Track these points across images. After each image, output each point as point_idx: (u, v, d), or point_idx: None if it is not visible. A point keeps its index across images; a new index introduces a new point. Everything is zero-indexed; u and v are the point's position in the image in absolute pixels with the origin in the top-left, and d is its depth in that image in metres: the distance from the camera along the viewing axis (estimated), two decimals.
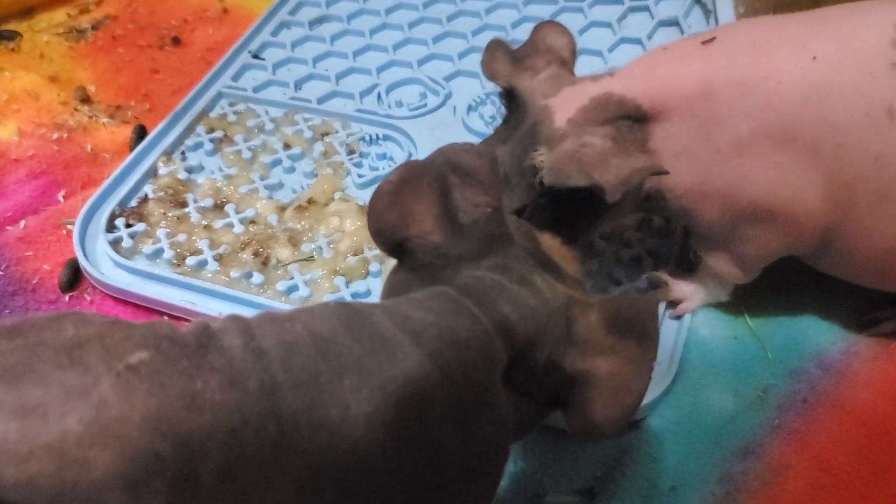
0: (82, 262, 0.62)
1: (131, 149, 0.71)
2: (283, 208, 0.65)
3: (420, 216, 0.40)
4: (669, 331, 0.57)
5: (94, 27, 0.86)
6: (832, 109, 0.47)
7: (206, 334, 0.31)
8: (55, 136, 0.74)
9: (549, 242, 0.44)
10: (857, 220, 0.49)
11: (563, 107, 0.50)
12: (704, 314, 0.59)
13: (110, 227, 0.64)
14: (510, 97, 0.53)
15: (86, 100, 0.78)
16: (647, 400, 0.52)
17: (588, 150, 0.48)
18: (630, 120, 0.50)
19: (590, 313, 0.39)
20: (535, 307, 0.38)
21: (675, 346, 0.56)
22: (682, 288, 0.58)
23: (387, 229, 0.40)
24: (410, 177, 0.40)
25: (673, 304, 0.58)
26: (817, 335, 0.57)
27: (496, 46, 0.55)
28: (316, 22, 0.83)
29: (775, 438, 0.51)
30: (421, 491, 0.33)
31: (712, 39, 0.50)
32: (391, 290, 0.41)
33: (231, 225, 0.64)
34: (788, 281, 0.59)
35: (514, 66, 0.54)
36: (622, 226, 0.63)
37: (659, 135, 0.50)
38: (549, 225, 0.48)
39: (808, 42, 0.48)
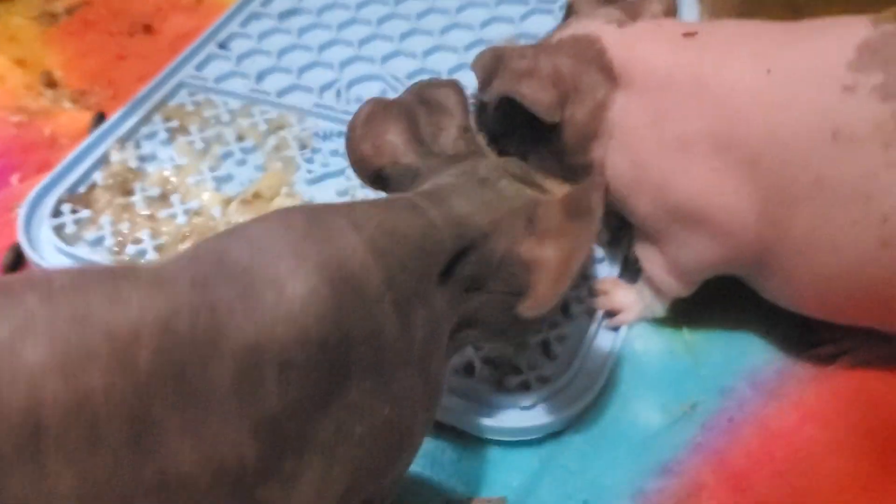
0: (24, 246, 0.62)
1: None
2: (228, 201, 0.64)
3: (391, 144, 0.44)
4: (603, 342, 0.56)
5: (69, 12, 0.87)
6: (777, 123, 0.46)
7: (137, 262, 0.34)
8: (16, 119, 0.74)
9: (548, 182, 0.47)
10: (796, 243, 0.48)
11: (570, 30, 0.53)
12: (642, 327, 0.58)
13: (56, 213, 0.64)
14: (568, 10, 0.58)
15: (51, 84, 0.78)
16: (571, 412, 0.52)
17: (526, 62, 0.51)
18: (602, 75, 0.51)
19: (555, 205, 0.41)
20: (491, 201, 0.41)
21: (607, 359, 0.55)
22: (621, 298, 0.57)
23: (363, 159, 0.44)
24: (378, 108, 0.45)
25: (611, 314, 0.58)
26: (754, 354, 0.56)
27: None
28: (287, 14, 0.83)
29: (695, 457, 0.50)
30: (361, 369, 0.34)
31: (693, 33, 0.51)
32: None
33: (174, 216, 0.63)
34: (732, 298, 0.57)
35: None
36: None
37: (619, 105, 0.51)
38: (494, 128, 0.54)
39: (769, 53, 0.48)
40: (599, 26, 0.53)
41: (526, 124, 0.53)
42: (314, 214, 0.36)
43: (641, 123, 0.50)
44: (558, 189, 0.46)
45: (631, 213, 0.53)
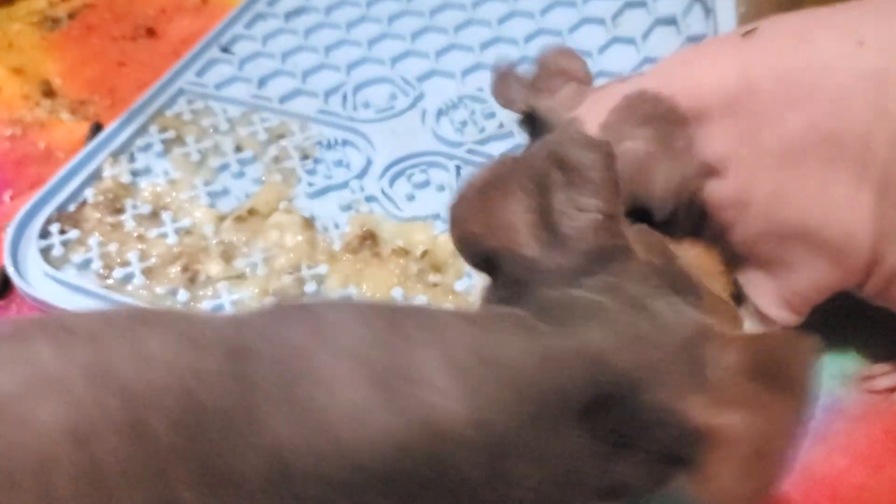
0: (10, 269, 0.58)
1: None
2: (222, 218, 0.60)
3: (510, 225, 0.34)
4: None
5: (71, 16, 0.83)
6: (885, 95, 0.41)
7: (188, 311, 0.31)
8: (9, 132, 0.71)
9: (691, 253, 0.38)
10: None
11: (593, 113, 0.45)
12: None
13: (45, 234, 0.60)
14: (531, 122, 0.48)
15: (49, 93, 0.74)
16: None
17: (629, 157, 0.42)
18: (667, 122, 0.44)
19: (729, 351, 0.31)
20: (648, 336, 0.31)
21: None
22: None
23: (469, 238, 0.34)
24: (500, 175, 0.35)
25: None
26: None
27: (505, 72, 0.50)
28: (294, 13, 0.78)
29: None
30: None
31: (753, 30, 0.45)
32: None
33: (165, 235, 0.59)
34: None
35: (530, 89, 0.49)
36: None
37: (699, 137, 0.44)
38: None
39: (855, 27, 0.42)
40: (625, 83, 0.46)
41: None
42: (395, 319, 0.30)
43: (734, 142, 0.44)
44: (719, 281, 0.38)
45: (739, 242, 0.47)
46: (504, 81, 0.50)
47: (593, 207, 0.33)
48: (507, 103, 0.50)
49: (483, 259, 0.34)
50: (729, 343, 0.31)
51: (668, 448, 0.30)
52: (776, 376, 0.30)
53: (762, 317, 0.49)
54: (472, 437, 0.28)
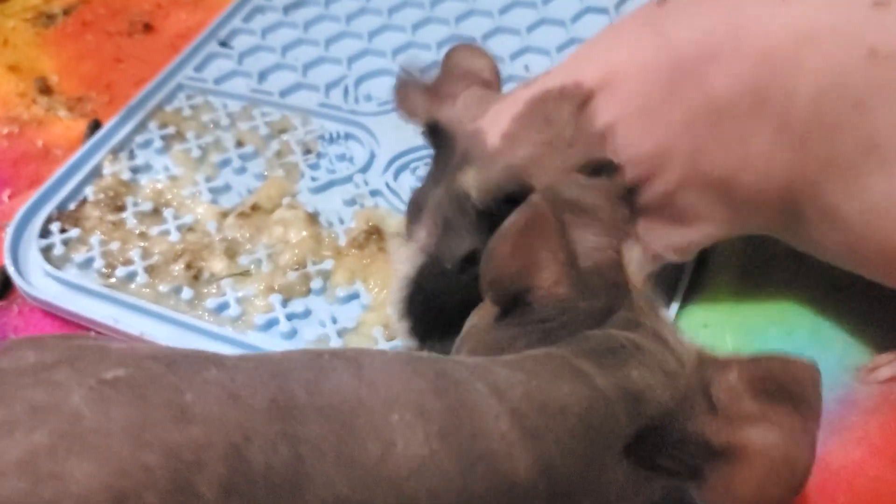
0: (10, 269, 0.58)
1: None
2: (224, 214, 0.59)
3: (545, 264, 0.35)
4: None
5: (66, 12, 0.82)
6: (808, 52, 0.41)
7: (211, 353, 0.29)
8: (6, 130, 0.70)
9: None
10: (840, 177, 0.42)
11: (496, 122, 0.44)
12: None
13: (45, 233, 0.60)
14: (435, 133, 0.47)
15: (46, 91, 0.74)
16: None
17: (519, 154, 0.43)
18: (573, 107, 0.44)
19: (727, 373, 0.34)
20: (674, 371, 0.33)
21: None
22: None
23: (506, 278, 0.35)
24: (534, 218, 0.35)
25: None
26: None
27: (406, 81, 0.49)
28: (293, 6, 0.77)
29: None
30: None
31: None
32: (488, 347, 0.35)
33: (167, 232, 0.59)
34: (781, 311, 0.51)
35: (432, 98, 0.48)
36: None
37: (610, 100, 0.44)
38: None
39: None
40: (529, 88, 0.45)
41: None
42: (443, 368, 0.30)
43: (653, 100, 0.44)
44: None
45: (654, 192, 0.46)
46: (405, 92, 0.48)
47: (605, 245, 0.36)
48: (409, 115, 0.48)
49: (512, 296, 0.35)
50: (726, 366, 0.34)
51: (690, 467, 0.32)
52: (780, 394, 0.32)
53: (653, 255, 0.48)
54: (538, 481, 0.28)
